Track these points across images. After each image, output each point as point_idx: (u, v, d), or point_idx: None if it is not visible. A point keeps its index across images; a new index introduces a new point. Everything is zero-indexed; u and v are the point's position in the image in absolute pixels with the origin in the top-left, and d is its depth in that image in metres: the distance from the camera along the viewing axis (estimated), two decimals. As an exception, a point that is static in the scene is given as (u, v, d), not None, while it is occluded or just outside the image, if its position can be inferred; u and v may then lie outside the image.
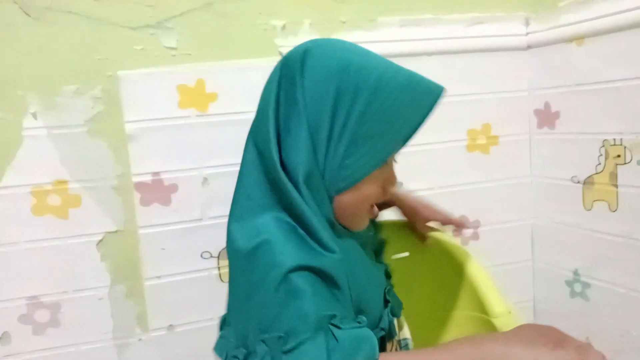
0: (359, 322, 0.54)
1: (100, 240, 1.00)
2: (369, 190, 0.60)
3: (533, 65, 1.21)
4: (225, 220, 1.05)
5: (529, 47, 1.21)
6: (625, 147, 1.01)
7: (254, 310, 0.53)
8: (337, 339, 0.50)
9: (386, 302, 0.68)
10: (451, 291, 0.85)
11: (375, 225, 0.79)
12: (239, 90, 1.04)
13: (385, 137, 0.57)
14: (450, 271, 0.85)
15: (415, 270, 0.87)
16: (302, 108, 0.57)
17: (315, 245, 0.55)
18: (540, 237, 1.26)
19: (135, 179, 1.00)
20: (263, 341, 0.51)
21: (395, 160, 0.64)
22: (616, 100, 1.02)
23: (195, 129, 1.02)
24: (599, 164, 1.07)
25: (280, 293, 0.51)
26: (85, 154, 0.98)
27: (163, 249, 1.03)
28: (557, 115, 1.16)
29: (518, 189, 1.25)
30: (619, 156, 1.02)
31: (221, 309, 1.04)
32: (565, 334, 0.54)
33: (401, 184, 1.13)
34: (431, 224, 0.87)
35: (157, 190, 1.02)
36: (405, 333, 0.73)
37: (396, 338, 0.70)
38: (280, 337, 0.50)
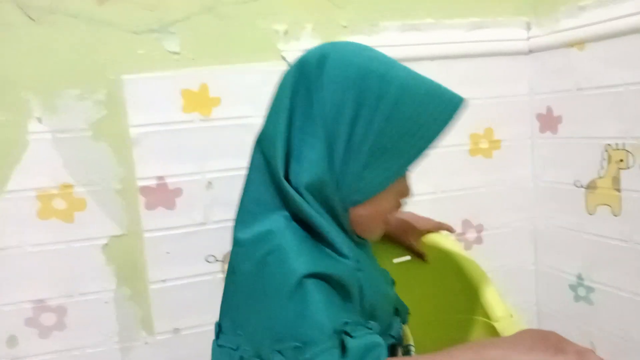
0: (369, 328, 0.53)
1: (106, 244, 1.00)
2: (384, 202, 0.59)
3: (535, 70, 1.21)
4: (230, 224, 1.06)
5: (530, 51, 1.22)
6: (627, 152, 1.01)
7: (266, 318, 0.51)
8: (350, 348, 0.49)
9: (395, 309, 0.68)
10: (452, 295, 0.85)
11: None
12: (242, 95, 1.05)
13: (404, 150, 0.56)
14: (452, 275, 0.85)
15: (416, 274, 0.88)
16: (319, 117, 0.55)
17: (329, 251, 0.54)
18: (543, 241, 1.26)
19: (140, 183, 1.01)
20: (279, 351, 0.50)
21: (409, 171, 0.63)
22: (618, 105, 1.02)
23: (199, 133, 1.03)
24: (602, 168, 1.07)
25: (295, 301, 0.49)
26: (90, 158, 0.98)
27: (168, 252, 1.03)
28: (559, 119, 1.17)
29: (521, 193, 1.26)
30: (621, 160, 1.03)
31: (225, 313, 1.05)
32: (566, 339, 0.54)
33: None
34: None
35: (162, 194, 1.02)
36: (409, 339, 0.73)
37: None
38: (296, 347, 0.49)
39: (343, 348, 0.50)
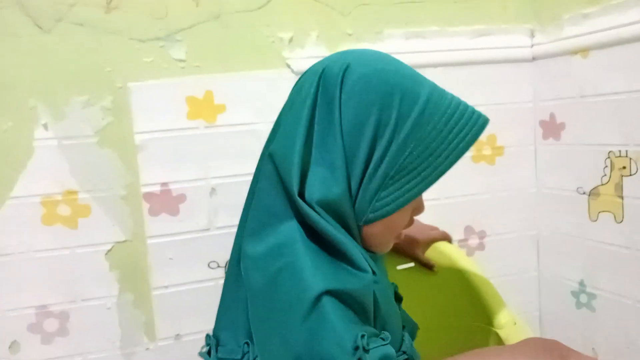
0: (383, 339, 0.52)
1: (109, 250, 1.01)
2: (398, 220, 0.58)
3: (538, 77, 1.22)
4: (232, 230, 1.06)
5: (534, 58, 1.22)
6: (630, 159, 1.01)
7: (283, 337, 0.50)
8: None
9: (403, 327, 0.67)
10: (456, 302, 0.85)
11: None
12: (247, 102, 1.05)
13: (424, 171, 0.54)
14: (455, 282, 0.85)
15: (420, 281, 0.88)
16: (337, 134, 0.53)
17: (345, 266, 0.52)
18: (545, 248, 1.26)
19: (144, 189, 1.01)
20: None
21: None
22: (621, 112, 1.02)
23: (204, 139, 1.03)
24: (605, 175, 1.07)
25: (312, 319, 0.48)
26: (95, 165, 0.99)
27: (171, 258, 1.04)
28: (562, 126, 1.17)
29: (523, 200, 1.26)
30: (624, 167, 1.03)
31: (228, 319, 1.05)
32: (569, 348, 0.54)
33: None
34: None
35: (166, 201, 1.03)
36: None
37: None
38: None
39: None
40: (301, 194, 0.53)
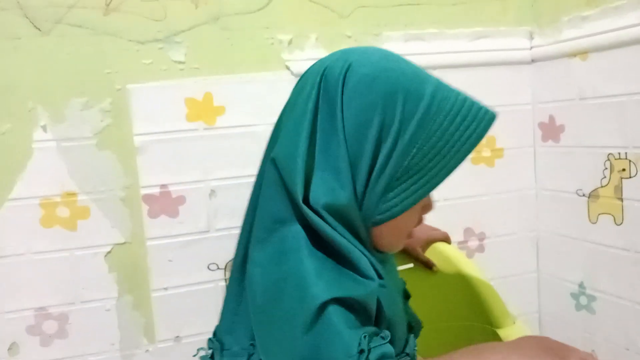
0: (382, 337, 0.51)
1: (109, 252, 1.01)
2: (407, 220, 0.57)
3: (537, 79, 1.22)
4: (232, 232, 1.06)
5: (533, 61, 1.22)
6: (630, 161, 1.01)
7: (289, 344, 0.49)
8: None
9: (410, 326, 0.67)
10: (455, 302, 0.85)
11: None
12: (247, 104, 1.05)
13: (430, 171, 0.53)
14: (454, 282, 0.85)
15: (419, 281, 0.88)
16: (341, 137, 0.52)
17: (350, 273, 0.51)
18: (545, 250, 1.26)
19: (143, 191, 1.01)
20: None
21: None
22: (621, 115, 1.03)
23: (203, 141, 1.03)
24: (604, 177, 1.07)
25: (317, 328, 0.48)
26: (94, 166, 0.99)
27: (170, 260, 1.04)
28: (561, 128, 1.17)
29: (523, 202, 1.26)
30: (624, 170, 1.03)
31: (227, 321, 1.05)
32: (567, 345, 0.54)
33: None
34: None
35: (165, 202, 1.02)
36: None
37: None
38: None
39: None
40: (306, 200, 0.52)
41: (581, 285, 1.16)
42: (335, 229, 0.52)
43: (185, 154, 1.03)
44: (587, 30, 1.08)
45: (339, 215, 0.52)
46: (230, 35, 1.03)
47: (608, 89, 1.05)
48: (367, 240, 0.56)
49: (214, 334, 0.62)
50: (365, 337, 0.49)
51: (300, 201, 0.51)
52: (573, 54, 1.11)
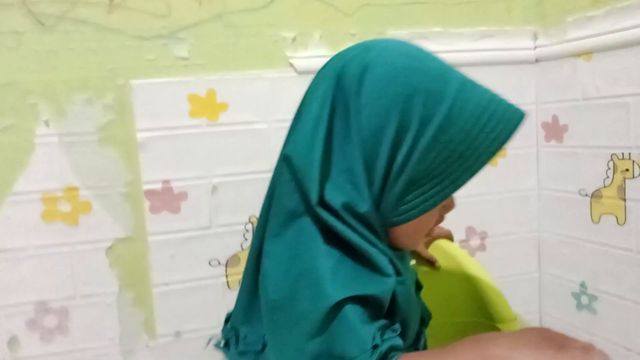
0: (393, 330, 0.50)
1: (110, 247, 1.00)
2: (426, 221, 0.55)
3: (541, 79, 1.22)
4: (233, 228, 1.06)
5: (537, 60, 1.22)
6: (633, 161, 1.01)
7: (299, 341, 0.49)
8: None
9: (422, 319, 0.66)
10: (457, 299, 0.85)
11: None
12: (250, 101, 1.05)
13: (451, 174, 0.50)
14: (456, 278, 0.85)
15: (421, 278, 0.88)
16: (356, 138, 0.50)
17: (367, 270, 0.50)
18: (547, 250, 1.26)
19: (146, 187, 1.01)
20: None
21: None
22: (624, 115, 1.02)
23: (206, 138, 1.03)
24: (607, 177, 1.07)
25: (331, 326, 0.47)
26: (96, 162, 0.99)
27: (171, 256, 1.04)
28: (565, 128, 1.17)
29: (525, 202, 1.26)
30: (627, 170, 1.03)
31: (228, 317, 1.05)
32: (567, 336, 0.54)
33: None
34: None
35: (167, 198, 1.02)
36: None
37: None
38: None
39: None
40: (322, 200, 0.50)
41: (582, 285, 1.16)
42: (355, 228, 0.50)
43: (188, 150, 1.03)
44: (592, 31, 1.07)
45: (356, 216, 0.51)
46: (234, 32, 1.03)
47: (612, 90, 1.04)
48: (384, 239, 0.54)
49: (227, 321, 0.62)
50: (379, 331, 0.48)
51: (315, 202, 0.50)
52: (577, 54, 1.11)
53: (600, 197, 1.09)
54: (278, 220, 0.53)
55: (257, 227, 0.59)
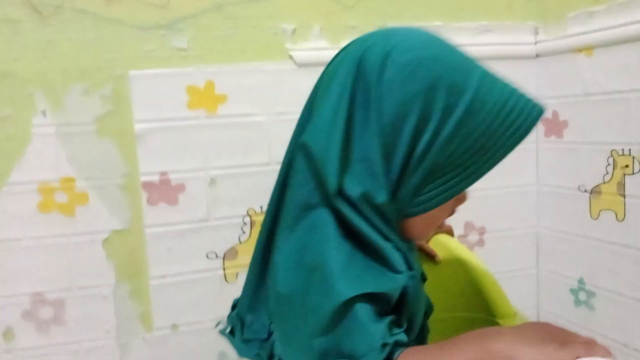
0: (400, 327, 0.50)
1: (107, 239, 1.00)
2: (440, 213, 0.55)
3: (541, 74, 1.21)
4: (231, 221, 1.06)
5: (537, 56, 1.21)
6: (633, 158, 1.01)
7: (307, 336, 0.48)
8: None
9: (425, 312, 0.66)
10: (457, 293, 0.84)
11: None
12: (249, 93, 1.04)
13: (470, 167, 0.50)
14: (456, 273, 0.85)
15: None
16: (376, 126, 0.49)
17: (379, 266, 0.49)
18: (545, 245, 1.26)
19: (143, 179, 1.01)
20: None
21: None
22: (625, 111, 1.02)
23: (204, 130, 1.03)
24: (607, 173, 1.07)
25: (341, 323, 0.46)
26: (94, 153, 0.98)
27: (169, 248, 1.03)
28: (564, 124, 1.16)
29: (524, 197, 1.25)
30: (627, 166, 1.02)
31: (225, 310, 1.04)
32: (568, 331, 0.53)
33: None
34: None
35: (165, 190, 1.02)
36: None
37: None
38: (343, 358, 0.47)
39: None
40: (339, 190, 0.49)
41: (581, 281, 1.16)
42: (370, 220, 0.50)
43: (186, 142, 1.02)
44: (593, 26, 1.07)
45: (373, 206, 0.50)
46: (234, 24, 1.03)
47: (613, 85, 1.04)
48: (397, 231, 0.54)
49: (233, 308, 0.61)
50: (388, 329, 0.48)
51: (334, 192, 0.49)
52: (578, 50, 1.10)
53: (600, 193, 1.09)
54: (290, 211, 0.52)
55: (266, 217, 0.58)
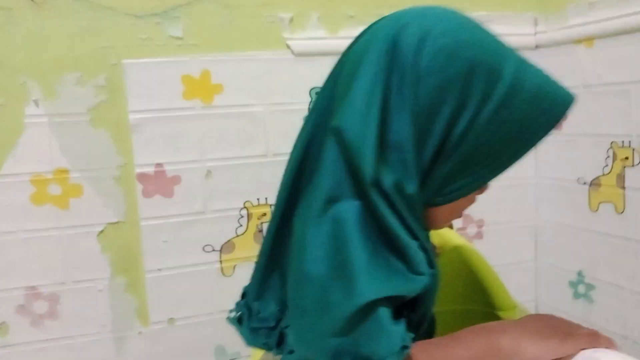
0: (410, 322, 0.50)
1: (101, 231, 0.98)
2: (464, 202, 0.54)
3: (541, 66, 1.19)
4: (228, 214, 1.05)
5: (537, 47, 1.20)
6: (633, 149, 1.00)
7: (323, 333, 0.47)
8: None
9: None
10: (456, 286, 0.84)
11: None
12: (246, 83, 1.03)
13: (501, 155, 0.49)
14: (456, 266, 0.84)
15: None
16: (409, 113, 0.47)
17: (402, 267, 0.48)
18: (544, 238, 1.26)
19: (138, 170, 0.99)
20: None
21: None
22: (625, 103, 1.01)
23: (200, 120, 1.01)
24: (606, 165, 1.06)
25: (360, 324, 0.46)
26: (87, 144, 0.96)
27: (165, 241, 1.02)
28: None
29: (523, 190, 1.25)
30: (626, 158, 1.02)
31: (222, 303, 1.04)
32: (571, 322, 0.53)
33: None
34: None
35: (160, 182, 1.00)
36: None
37: None
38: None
39: None
40: (375, 181, 0.47)
41: (580, 274, 1.16)
42: (400, 212, 0.48)
43: (181, 132, 1.00)
44: (593, 17, 1.06)
45: (403, 196, 0.48)
46: (230, 12, 1.01)
47: (613, 77, 1.03)
48: (421, 222, 0.52)
49: (243, 296, 0.60)
50: (406, 329, 0.47)
51: (370, 182, 0.47)
52: (578, 41, 1.09)
53: (599, 185, 1.08)
54: (314, 202, 0.50)
55: (277, 205, 0.55)
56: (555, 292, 1.23)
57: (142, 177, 0.99)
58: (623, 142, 1.02)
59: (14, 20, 0.91)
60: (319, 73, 1.05)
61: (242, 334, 0.57)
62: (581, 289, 1.16)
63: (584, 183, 1.12)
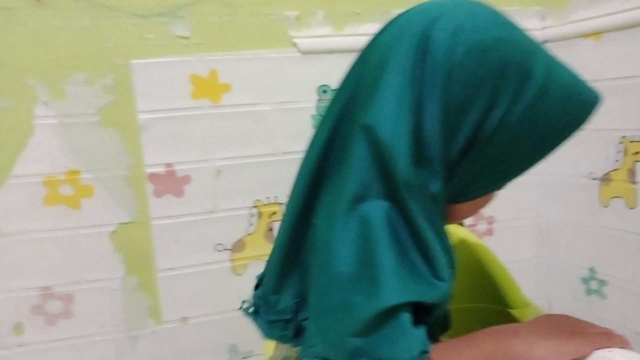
0: (425, 326, 0.49)
1: (114, 231, 0.99)
2: (484, 200, 0.54)
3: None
4: (238, 213, 1.05)
5: (544, 41, 1.19)
6: (644, 144, 1.00)
7: (344, 333, 0.47)
8: None
9: None
10: (468, 284, 0.84)
11: None
12: (253, 81, 1.03)
13: (527, 155, 0.49)
14: (467, 264, 0.84)
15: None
16: (440, 109, 0.46)
17: (426, 271, 0.48)
18: (556, 234, 1.25)
19: (149, 170, 1.00)
20: None
21: None
22: (636, 97, 1.00)
23: (208, 119, 1.01)
24: (617, 160, 1.05)
25: (381, 327, 0.46)
26: (97, 144, 0.97)
27: (176, 240, 1.02)
28: (573, 110, 1.15)
29: (533, 186, 1.24)
30: (637, 153, 1.01)
31: (234, 302, 1.04)
32: (584, 321, 0.53)
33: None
34: None
35: (170, 182, 1.01)
36: None
37: None
38: None
39: None
40: (408, 181, 0.47)
41: (592, 270, 1.15)
42: (427, 211, 0.48)
43: (191, 132, 1.01)
44: (601, 11, 1.05)
45: (429, 195, 0.48)
46: (235, 11, 1.01)
47: (622, 71, 1.02)
48: (443, 218, 0.52)
49: (256, 287, 0.60)
50: (425, 334, 0.47)
51: (404, 182, 0.46)
52: (586, 35, 1.09)
53: (610, 180, 1.08)
54: (340, 200, 0.48)
55: (295, 198, 0.54)
56: (568, 289, 1.22)
57: (152, 177, 1.00)
58: (633, 136, 1.01)
59: (19, 20, 0.91)
60: (326, 70, 1.06)
61: (259, 326, 0.57)
62: (593, 285, 1.15)
63: (594, 178, 1.11)
